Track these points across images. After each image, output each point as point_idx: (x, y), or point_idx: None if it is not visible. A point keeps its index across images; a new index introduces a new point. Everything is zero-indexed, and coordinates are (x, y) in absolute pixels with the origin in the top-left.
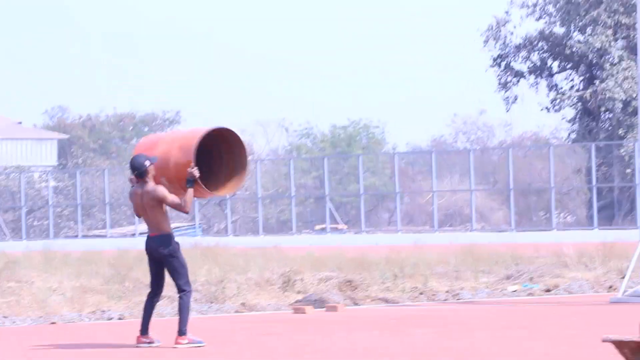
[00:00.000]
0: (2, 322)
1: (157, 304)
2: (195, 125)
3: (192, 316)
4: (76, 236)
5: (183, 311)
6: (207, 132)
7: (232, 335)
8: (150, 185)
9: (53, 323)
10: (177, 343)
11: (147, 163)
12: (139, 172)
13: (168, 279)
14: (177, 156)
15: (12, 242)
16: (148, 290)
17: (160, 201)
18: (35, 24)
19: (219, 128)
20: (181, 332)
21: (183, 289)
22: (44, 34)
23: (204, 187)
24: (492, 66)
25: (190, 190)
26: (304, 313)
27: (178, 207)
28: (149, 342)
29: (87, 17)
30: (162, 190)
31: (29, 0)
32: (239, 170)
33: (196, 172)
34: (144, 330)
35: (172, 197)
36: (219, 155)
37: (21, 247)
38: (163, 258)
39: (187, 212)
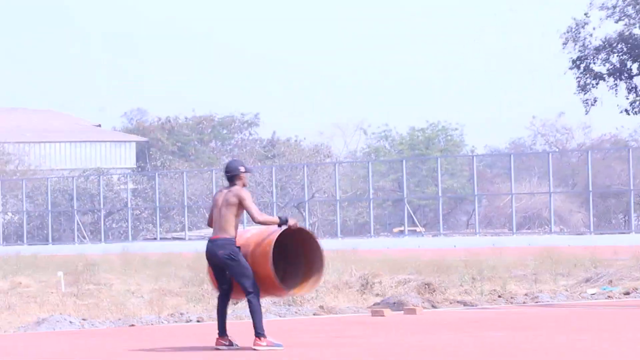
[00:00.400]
0: (81, 324)
1: (235, 305)
2: (275, 129)
3: (271, 319)
4: (155, 239)
5: (255, 314)
6: (280, 233)
7: (311, 338)
8: (237, 187)
9: (132, 325)
10: (256, 345)
11: (242, 169)
12: (230, 175)
13: None
14: (257, 248)
15: (91, 245)
16: (218, 295)
17: (240, 200)
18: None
19: (297, 229)
20: (258, 334)
21: (249, 292)
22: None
23: (279, 283)
24: (571, 68)
25: (276, 219)
26: (383, 316)
27: (253, 212)
28: (228, 345)
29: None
30: (247, 193)
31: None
32: (316, 270)
33: (292, 223)
34: (222, 331)
35: (252, 203)
36: (296, 255)
37: (100, 250)
38: (223, 262)
39: (257, 222)
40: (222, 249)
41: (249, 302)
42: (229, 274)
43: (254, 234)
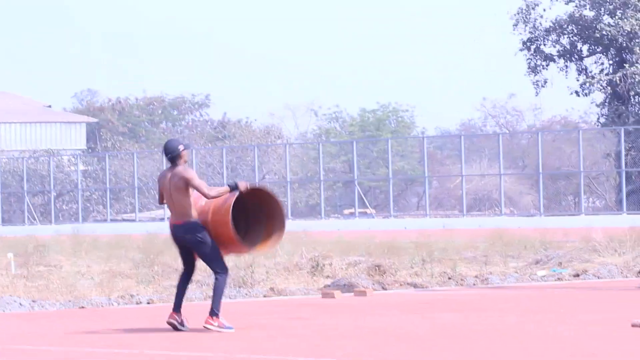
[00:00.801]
0: (31, 306)
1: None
2: (226, 110)
3: (222, 300)
4: (105, 220)
5: (217, 292)
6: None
7: (262, 320)
8: (180, 167)
9: (82, 307)
10: (207, 323)
11: (181, 147)
12: (171, 155)
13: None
14: (215, 215)
15: (41, 226)
16: (180, 272)
17: (187, 182)
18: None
19: (253, 189)
20: (213, 312)
21: (217, 272)
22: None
23: (241, 241)
24: (521, 50)
25: (226, 189)
26: (333, 297)
27: (203, 190)
28: (179, 323)
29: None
30: (191, 172)
31: None
32: (278, 227)
33: (243, 187)
34: (177, 307)
35: (199, 180)
36: (255, 214)
37: (50, 231)
38: (191, 245)
39: (209, 197)
40: (189, 233)
41: (216, 279)
42: (199, 255)
43: (207, 201)
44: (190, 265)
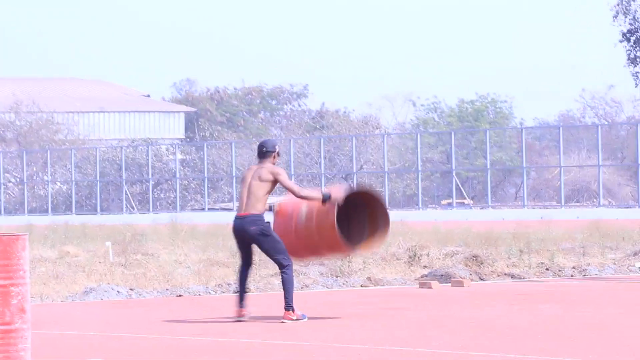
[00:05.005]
0: (129, 294)
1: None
2: (324, 100)
3: (319, 290)
4: (203, 209)
5: (287, 287)
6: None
7: (358, 309)
8: (270, 164)
9: (179, 296)
10: (286, 318)
11: (277, 148)
12: (266, 150)
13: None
14: (319, 217)
15: (139, 215)
16: (239, 267)
17: (275, 176)
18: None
19: (357, 192)
20: (288, 306)
21: (284, 265)
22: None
23: (345, 241)
24: (621, 41)
25: (318, 195)
26: (430, 288)
27: (293, 188)
28: (242, 316)
29: None
30: (282, 169)
31: None
32: (381, 227)
33: (334, 198)
34: (241, 302)
35: (289, 179)
36: (358, 213)
37: (148, 220)
38: (254, 238)
39: (300, 196)
40: (254, 225)
41: (283, 274)
42: (262, 249)
43: (306, 206)
44: (249, 258)
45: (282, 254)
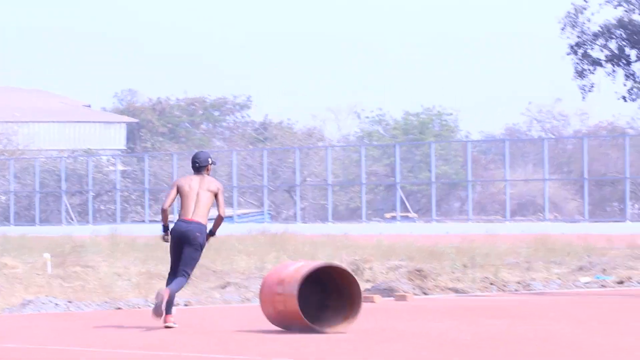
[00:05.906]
0: (67, 306)
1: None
2: (268, 112)
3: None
4: (143, 221)
5: (178, 290)
6: (313, 269)
7: None
8: (211, 177)
9: (118, 308)
10: (169, 322)
11: (211, 160)
12: (200, 165)
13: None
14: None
15: (79, 227)
16: (167, 275)
17: (219, 191)
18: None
19: (326, 266)
20: (169, 311)
21: (189, 274)
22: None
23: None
24: (568, 54)
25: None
26: (373, 302)
27: (223, 206)
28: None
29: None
30: (221, 186)
31: None
32: (354, 306)
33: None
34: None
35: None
36: (338, 291)
37: (88, 232)
38: (191, 244)
39: (223, 216)
40: (199, 233)
41: (182, 278)
42: (185, 255)
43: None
44: (178, 267)
45: (193, 268)
